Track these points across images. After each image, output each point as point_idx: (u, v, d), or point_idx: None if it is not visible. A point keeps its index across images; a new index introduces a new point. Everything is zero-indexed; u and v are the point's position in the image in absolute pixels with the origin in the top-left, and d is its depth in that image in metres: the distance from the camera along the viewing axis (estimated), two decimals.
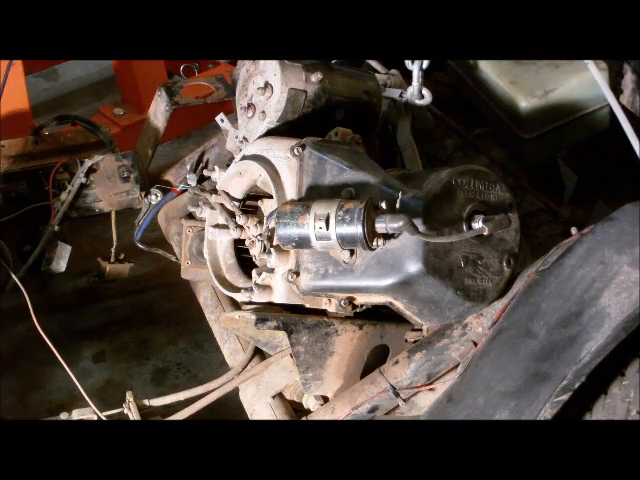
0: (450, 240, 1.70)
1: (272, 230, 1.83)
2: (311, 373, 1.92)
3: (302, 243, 1.70)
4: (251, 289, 1.92)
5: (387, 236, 1.68)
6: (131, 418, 2.03)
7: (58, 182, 2.59)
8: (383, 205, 1.65)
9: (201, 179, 2.41)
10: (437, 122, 2.40)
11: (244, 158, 2.04)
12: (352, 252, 1.77)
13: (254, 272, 1.95)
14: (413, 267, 1.70)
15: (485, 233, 1.71)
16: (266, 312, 1.88)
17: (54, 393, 2.91)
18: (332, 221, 1.64)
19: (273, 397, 2.03)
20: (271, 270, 1.89)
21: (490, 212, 1.76)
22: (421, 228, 1.66)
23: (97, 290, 3.21)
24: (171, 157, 3.50)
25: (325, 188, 1.82)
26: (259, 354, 2.14)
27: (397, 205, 1.66)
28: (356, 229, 1.61)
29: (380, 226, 1.63)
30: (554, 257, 1.70)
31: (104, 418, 2.03)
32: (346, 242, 1.65)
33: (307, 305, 1.91)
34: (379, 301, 1.86)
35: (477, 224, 1.72)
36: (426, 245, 1.68)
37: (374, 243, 1.65)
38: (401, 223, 1.59)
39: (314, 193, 1.83)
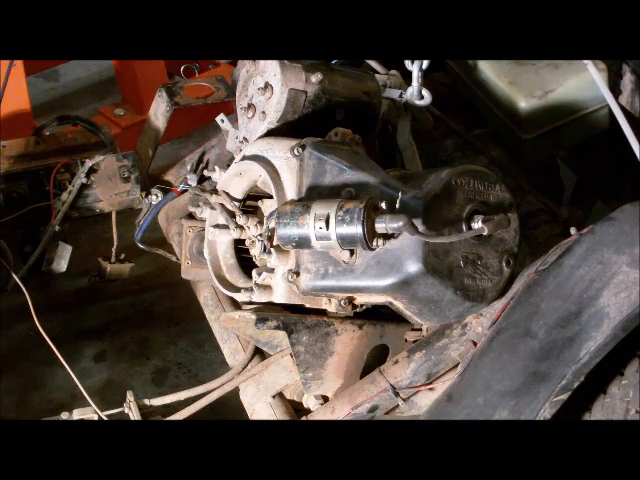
0: (450, 240, 1.70)
1: (272, 230, 1.83)
2: (311, 373, 1.92)
3: (302, 243, 1.71)
4: (251, 289, 1.92)
5: (387, 236, 1.68)
6: (132, 418, 2.03)
7: (59, 182, 2.59)
8: (383, 205, 1.65)
9: (201, 179, 2.42)
10: (437, 122, 2.40)
11: (244, 158, 2.04)
12: (352, 252, 1.78)
13: (254, 272, 1.95)
14: (413, 267, 1.70)
15: (485, 233, 1.71)
16: (266, 312, 1.89)
17: (55, 393, 2.92)
18: (332, 221, 1.64)
19: (273, 397, 2.03)
20: (271, 270, 1.89)
21: (490, 212, 1.77)
22: (421, 228, 1.66)
23: (98, 290, 3.22)
24: (171, 157, 3.49)
25: (325, 188, 1.82)
26: (259, 354, 2.14)
27: (397, 205, 1.66)
28: (356, 229, 1.61)
29: (380, 226, 1.63)
30: (553, 257, 1.70)
31: (105, 418, 2.03)
32: (346, 242, 1.65)
33: (307, 305, 1.91)
34: (379, 301, 1.87)
35: (477, 224, 1.73)
36: (426, 245, 1.69)
37: (374, 243, 1.65)
38: (401, 223, 1.59)
39: (314, 193, 1.83)
